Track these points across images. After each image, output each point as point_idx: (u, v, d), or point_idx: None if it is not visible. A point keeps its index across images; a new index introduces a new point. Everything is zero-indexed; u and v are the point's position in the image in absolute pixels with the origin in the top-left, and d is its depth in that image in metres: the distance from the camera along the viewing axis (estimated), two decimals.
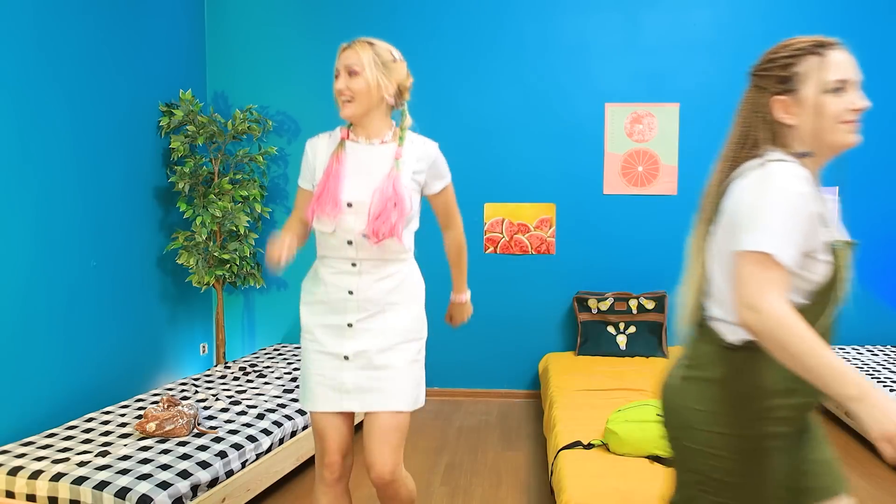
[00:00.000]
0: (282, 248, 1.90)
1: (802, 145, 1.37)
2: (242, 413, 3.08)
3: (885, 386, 3.43)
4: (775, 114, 1.38)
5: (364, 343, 1.96)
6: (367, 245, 1.94)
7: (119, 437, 2.79)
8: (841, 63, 1.34)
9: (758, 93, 1.40)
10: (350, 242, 1.95)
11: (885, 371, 3.68)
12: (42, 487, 2.38)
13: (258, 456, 2.85)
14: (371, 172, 1.95)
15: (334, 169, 1.94)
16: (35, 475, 2.42)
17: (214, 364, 4.66)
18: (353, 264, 1.97)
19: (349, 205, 1.92)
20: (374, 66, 1.92)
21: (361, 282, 1.97)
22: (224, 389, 3.46)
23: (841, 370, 1.15)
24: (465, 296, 2.28)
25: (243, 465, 2.75)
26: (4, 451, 2.65)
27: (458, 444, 3.73)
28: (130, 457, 2.54)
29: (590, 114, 4.42)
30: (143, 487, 2.31)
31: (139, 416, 3.02)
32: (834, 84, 1.33)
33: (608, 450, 2.68)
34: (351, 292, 1.97)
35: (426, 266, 4.73)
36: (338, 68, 1.93)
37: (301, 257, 4.94)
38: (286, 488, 3.19)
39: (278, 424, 3.04)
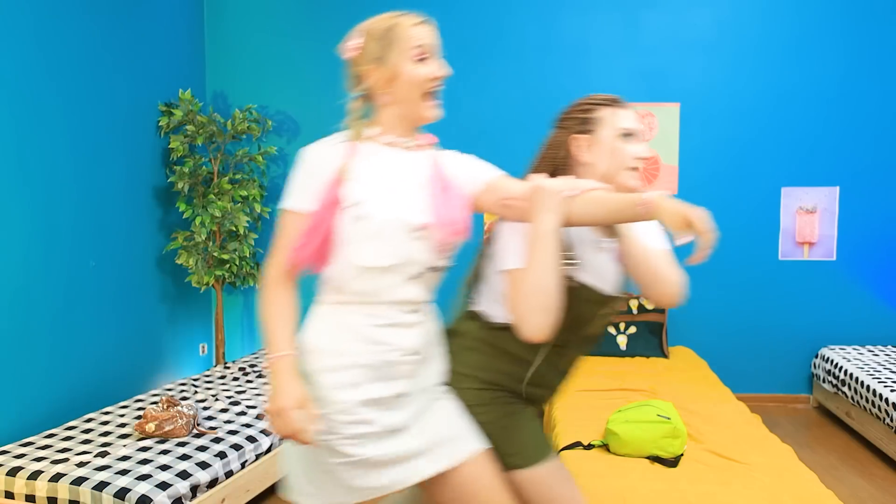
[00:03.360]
0: None
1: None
2: (242, 413, 3.08)
3: (885, 386, 3.43)
4: (572, 150, 1.63)
5: None
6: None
7: (118, 437, 2.78)
8: (625, 116, 1.63)
9: (559, 133, 1.66)
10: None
11: (886, 371, 3.67)
12: (41, 488, 2.38)
13: (258, 456, 2.84)
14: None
15: None
16: (34, 476, 2.41)
17: (214, 364, 4.65)
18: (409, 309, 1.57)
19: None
20: None
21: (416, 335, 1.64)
22: (223, 390, 3.46)
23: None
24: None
25: (243, 465, 2.74)
26: (4, 452, 2.65)
27: None
28: (130, 457, 2.54)
29: None
30: (143, 488, 2.30)
31: (138, 417, 3.02)
32: (623, 131, 1.62)
33: (608, 450, 2.67)
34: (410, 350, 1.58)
35: None
36: (424, 46, 1.49)
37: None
38: None
39: None
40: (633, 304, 4.23)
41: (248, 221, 4.22)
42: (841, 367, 3.87)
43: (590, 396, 3.41)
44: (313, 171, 1.49)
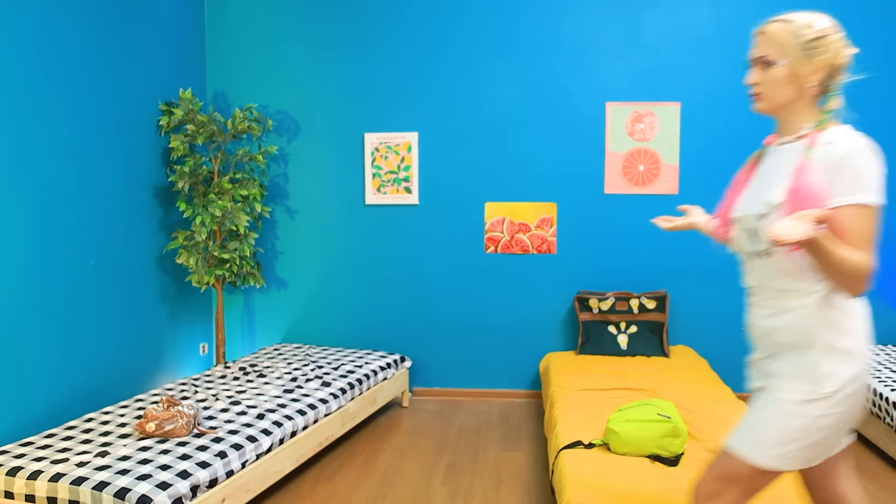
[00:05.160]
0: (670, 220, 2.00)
1: None
2: (242, 413, 3.08)
3: (885, 386, 3.42)
4: None
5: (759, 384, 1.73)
6: (757, 268, 1.68)
7: (118, 437, 2.78)
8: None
9: None
10: (744, 263, 1.74)
11: (886, 371, 3.67)
12: (41, 488, 2.38)
13: (258, 456, 2.84)
14: (769, 178, 1.64)
15: (734, 180, 1.78)
16: (34, 475, 2.41)
17: (214, 364, 4.65)
18: (750, 292, 1.73)
19: (735, 220, 1.72)
20: (790, 52, 1.59)
21: (753, 315, 1.72)
22: (224, 389, 3.46)
23: None
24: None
25: (243, 465, 2.74)
26: (3, 452, 2.65)
27: (459, 444, 3.73)
28: (130, 457, 2.54)
29: (591, 113, 4.41)
30: (143, 488, 2.30)
31: (139, 417, 3.02)
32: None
33: (609, 449, 2.67)
34: (749, 325, 1.74)
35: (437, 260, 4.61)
36: (749, 59, 1.65)
37: (300, 255, 4.90)
38: (286, 489, 3.18)
39: (278, 424, 3.03)
40: (634, 303, 4.23)
41: (248, 221, 4.22)
42: None
43: (590, 395, 3.41)
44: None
